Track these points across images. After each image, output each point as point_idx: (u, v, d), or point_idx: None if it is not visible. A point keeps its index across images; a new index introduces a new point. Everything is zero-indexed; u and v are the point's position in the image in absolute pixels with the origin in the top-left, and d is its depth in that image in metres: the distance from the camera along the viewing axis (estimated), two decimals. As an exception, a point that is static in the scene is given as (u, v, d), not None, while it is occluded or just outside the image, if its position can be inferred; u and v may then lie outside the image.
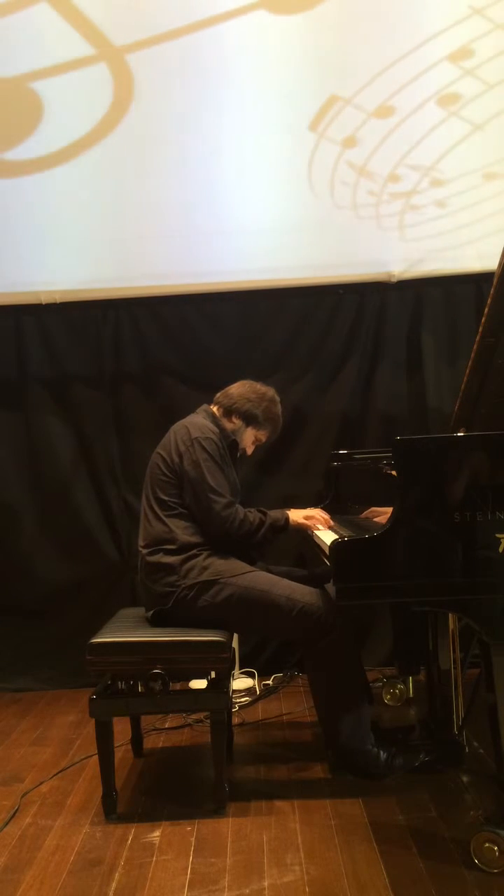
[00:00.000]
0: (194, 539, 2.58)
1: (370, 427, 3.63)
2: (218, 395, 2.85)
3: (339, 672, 2.50)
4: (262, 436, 2.86)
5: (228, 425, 2.77)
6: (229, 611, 2.50)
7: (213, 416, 2.77)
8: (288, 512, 2.74)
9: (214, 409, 2.82)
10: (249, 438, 2.83)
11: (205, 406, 2.84)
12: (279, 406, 2.87)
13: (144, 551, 2.62)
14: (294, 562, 3.39)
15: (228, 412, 2.79)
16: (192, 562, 2.55)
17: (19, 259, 3.55)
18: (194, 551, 2.56)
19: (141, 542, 2.66)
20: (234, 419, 2.78)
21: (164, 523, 2.59)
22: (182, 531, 2.58)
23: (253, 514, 2.64)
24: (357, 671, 2.57)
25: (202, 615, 2.50)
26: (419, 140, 3.34)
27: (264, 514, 2.68)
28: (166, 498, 2.62)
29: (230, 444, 2.75)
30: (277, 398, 2.87)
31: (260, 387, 2.85)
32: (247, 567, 2.59)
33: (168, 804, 2.45)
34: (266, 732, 3.02)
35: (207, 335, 3.67)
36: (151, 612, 2.58)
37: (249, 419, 2.79)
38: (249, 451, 2.87)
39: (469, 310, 3.60)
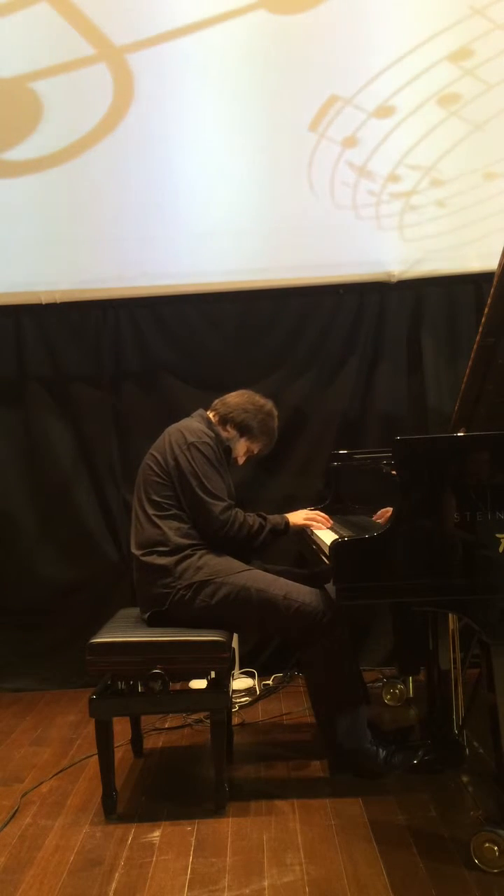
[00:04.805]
0: (187, 540, 2.57)
1: (370, 427, 3.63)
2: (216, 401, 2.85)
3: (336, 671, 2.50)
4: (256, 448, 2.85)
5: (223, 433, 2.77)
6: (226, 610, 2.50)
7: (208, 422, 2.77)
8: (287, 515, 2.75)
9: (210, 414, 2.82)
10: (242, 449, 2.83)
11: (200, 411, 2.84)
12: (276, 420, 2.86)
13: (138, 552, 2.62)
14: (294, 562, 3.38)
15: (224, 420, 2.78)
16: (187, 562, 2.54)
17: (19, 259, 3.55)
18: (188, 551, 2.56)
19: (133, 547, 2.66)
20: (228, 428, 2.78)
21: (157, 525, 2.59)
22: (174, 532, 2.57)
23: (252, 518, 2.64)
24: (354, 670, 2.58)
25: (199, 615, 2.50)
26: (419, 140, 3.34)
27: (264, 518, 2.69)
28: (159, 499, 2.61)
29: (224, 449, 2.75)
30: (275, 412, 2.86)
31: (259, 399, 2.84)
32: (242, 566, 2.59)
33: (168, 804, 2.45)
34: (266, 732, 3.02)
35: (207, 335, 3.66)
36: (148, 613, 2.58)
37: (244, 430, 2.78)
38: (241, 461, 2.86)
39: (469, 310, 3.60)
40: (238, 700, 3.29)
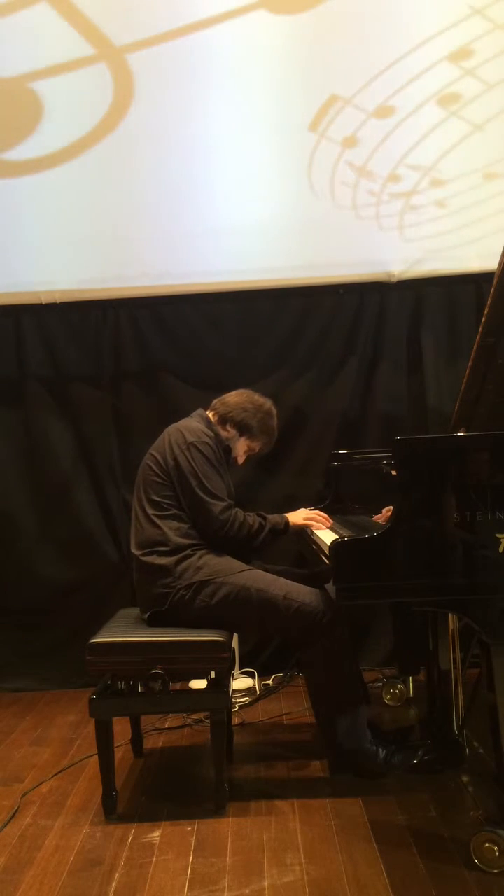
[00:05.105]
0: (187, 540, 2.58)
1: (370, 427, 3.63)
2: (215, 401, 2.85)
3: (336, 671, 2.50)
4: (256, 447, 2.85)
5: (223, 433, 2.77)
6: (226, 610, 2.50)
7: (207, 421, 2.77)
8: (287, 515, 2.75)
9: (210, 414, 2.82)
10: (242, 448, 2.83)
11: (200, 410, 2.84)
12: (275, 419, 2.86)
13: (138, 552, 2.62)
14: (293, 562, 3.38)
15: (223, 420, 2.78)
16: (187, 562, 2.54)
17: (19, 259, 3.55)
18: (188, 551, 2.56)
19: (133, 547, 2.66)
20: (228, 427, 2.78)
21: (157, 525, 2.59)
22: (174, 532, 2.57)
23: (252, 518, 2.65)
24: (353, 670, 2.58)
25: (199, 615, 2.50)
26: (419, 140, 3.34)
27: (264, 517, 2.69)
28: (159, 499, 2.61)
29: (224, 448, 2.75)
30: (274, 411, 2.86)
31: (258, 398, 2.84)
32: (242, 566, 2.59)
33: (168, 804, 2.45)
34: (266, 732, 3.02)
35: (207, 335, 3.66)
36: (148, 613, 2.58)
37: (244, 429, 2.78)
38: (241, 460, 2.86)
39: (469, 310, 3.60)
40: (238, 700, 3.29)
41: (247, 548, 2.67)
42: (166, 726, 3.08)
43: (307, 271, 3.55)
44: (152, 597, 2.56)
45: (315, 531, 2.70)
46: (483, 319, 2.25)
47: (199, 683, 2.72)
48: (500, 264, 2.12)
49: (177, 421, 2.78)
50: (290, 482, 3.63)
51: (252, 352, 3.64)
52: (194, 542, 2.59)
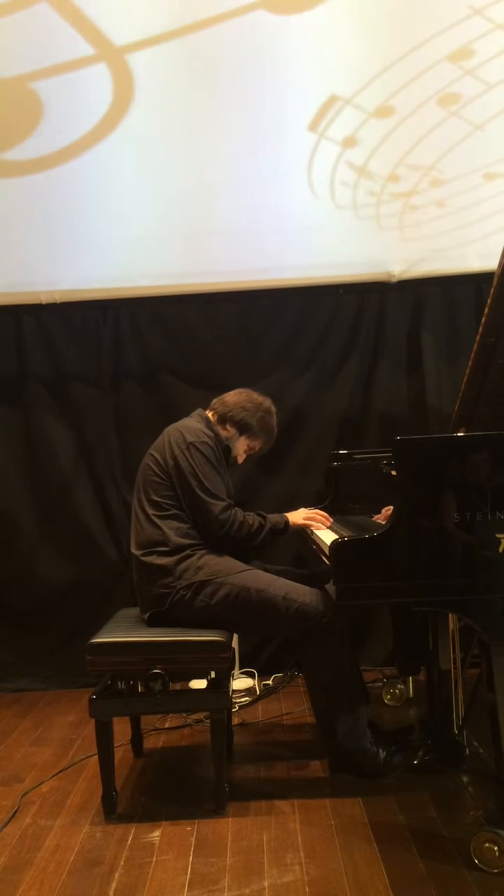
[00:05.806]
0: (187, 540, 2.58)
1: (370, 427, 3.63)
2: (214, 401, 2.85)
3: (336, 672, 2.50)
4: (256, 445, 2.85)
5: (223, 433, 2.77)
6: (226, 610, 2.50)
7: (207, 421, 2.77)
8: (287, 515, 2.75)
9: (209, 414, 2.82)
10: (242, 447, 2.83)
11: (199, 410, 2.84)
12: (275, 417, 2.86)
13: (138, 552, 2.62)
14: (293, 562, 3.39)
15: (223, 419, 2.78)
16: (187, 562, 2.54)
17: (19, 259, 3.55)
18: (188, 551, 2.56)
19: (133, 547, 2.66)
20: (228, 427, 2.78)
21: (157, 525, 2.59)
22: (174, 532, 2.57)
23: (252, 518, 2.65)
24: (353, 671, 2.58)
25: (199, 615, 2.50)
26: (419, 140, 3.34)
27: (264, 517, 2.69)
28: (159, 499, 2.61)
29: (224, 448, 2.75)
30: (274, 409, 2.86)
31: (257, 397, 2.84)
32: (242, 566, 2.59)
33: (168, 804, 2.45)
34: (266, 732, 3.02)
35: (207, 335, 3.66)
36: (148, 613, 2.58)
37: (244, 428, 2.78)
38: (241, 459, 2.87)
39: (469, 310, 3.60)
40: (238, 700, 3.29)
41: (247, 547, 2.68)
42: (166, 726, 3.08)
43: (307, 271, 3.55)
44: (152, 597, 2.56)
45: (315, 531, 2.70)
46: (483, 319, 2.25)
47: (199, 683, 2.73)
48: (500, 264, 2.13)
49: (177, 421, 2.78)
50: (290, 482, 3.63)
51: (252, 352, 3.64)
52: (194, 542, 2.59)
